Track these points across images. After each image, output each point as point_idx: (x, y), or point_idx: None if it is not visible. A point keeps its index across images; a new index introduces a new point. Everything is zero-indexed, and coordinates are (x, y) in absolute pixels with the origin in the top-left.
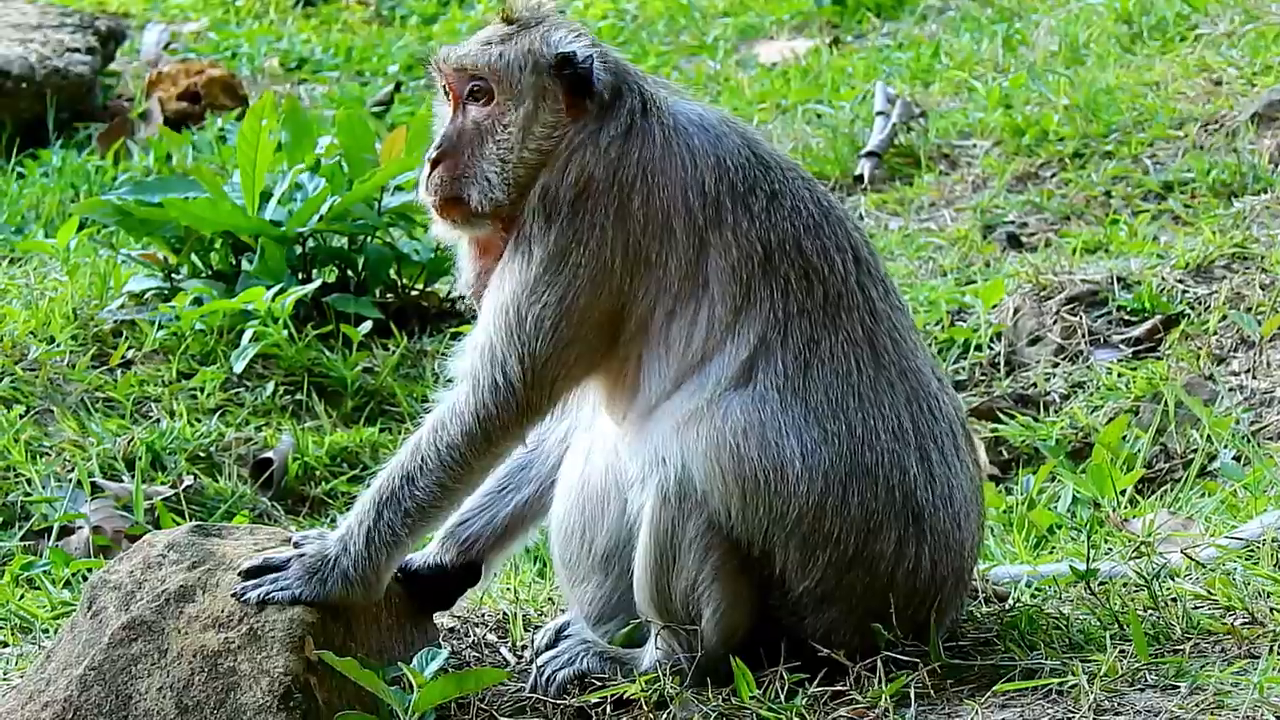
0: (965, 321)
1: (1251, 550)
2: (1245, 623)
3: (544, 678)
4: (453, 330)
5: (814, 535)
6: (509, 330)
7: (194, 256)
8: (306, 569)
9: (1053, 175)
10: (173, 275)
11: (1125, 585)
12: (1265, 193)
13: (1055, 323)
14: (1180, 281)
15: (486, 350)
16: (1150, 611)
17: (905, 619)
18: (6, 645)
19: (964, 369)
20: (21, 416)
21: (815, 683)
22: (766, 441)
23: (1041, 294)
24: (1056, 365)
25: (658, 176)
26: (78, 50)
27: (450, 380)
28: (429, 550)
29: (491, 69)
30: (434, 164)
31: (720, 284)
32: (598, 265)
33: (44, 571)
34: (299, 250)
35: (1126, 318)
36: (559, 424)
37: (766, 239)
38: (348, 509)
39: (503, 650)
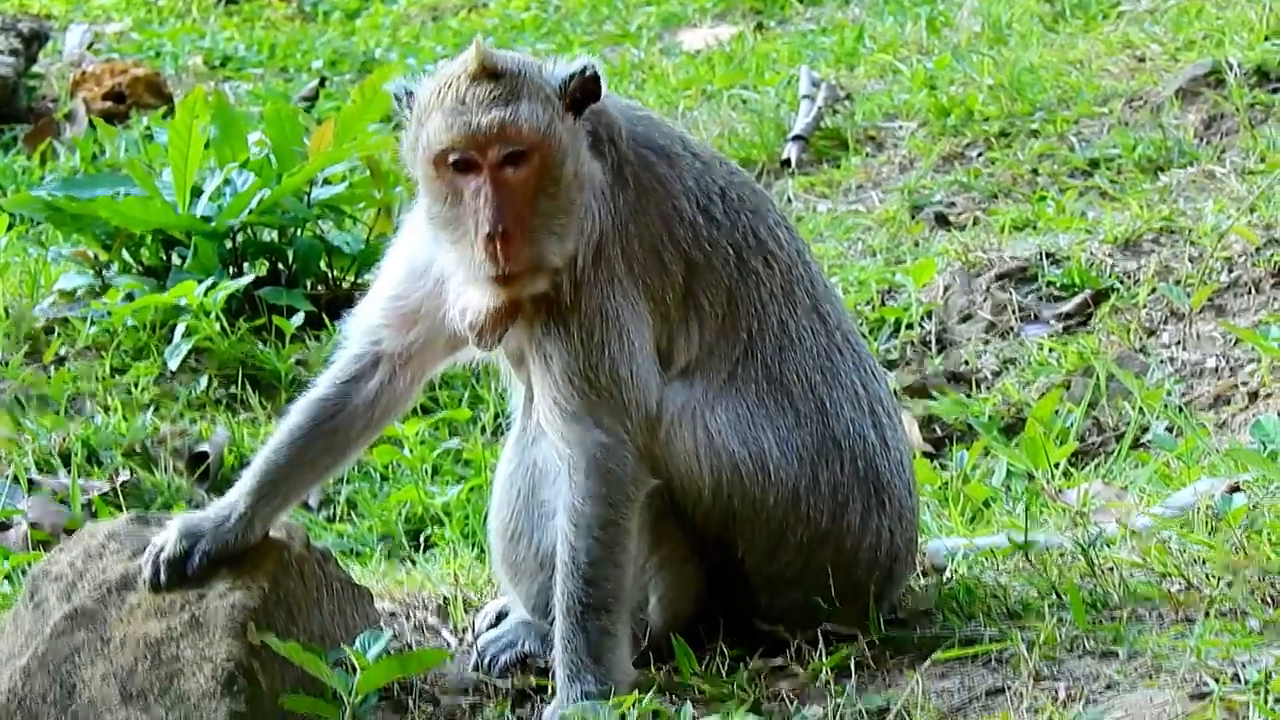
0: (896, 301)
1: (1186, 518)
2: (1181, 589)
3: (486, 659)
4: None
5: (787, 519)
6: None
7: (124, 253)
8: None
9: (979, 154)
10: (103, 272)
11: (1062, 555)
12: (1191, 166)
13: (985, 300)
14: (1109, 256)
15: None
16: (1087, 580)
17: (865, 593)
18: None
19: (895, 348)
20: None
21: (756, 657)
22: (745, 436)
23: (971, 272)
24: (988, 342)
25: (640, 215)
26: (0, 52)
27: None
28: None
29: (533, 130)
30: (504, 239)
31: (708, 298)
32: (626, 308)
33: None
34: (229, 245)
35: (1056, 293)
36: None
37: (732, 239)
38: None
39: (444, 632)
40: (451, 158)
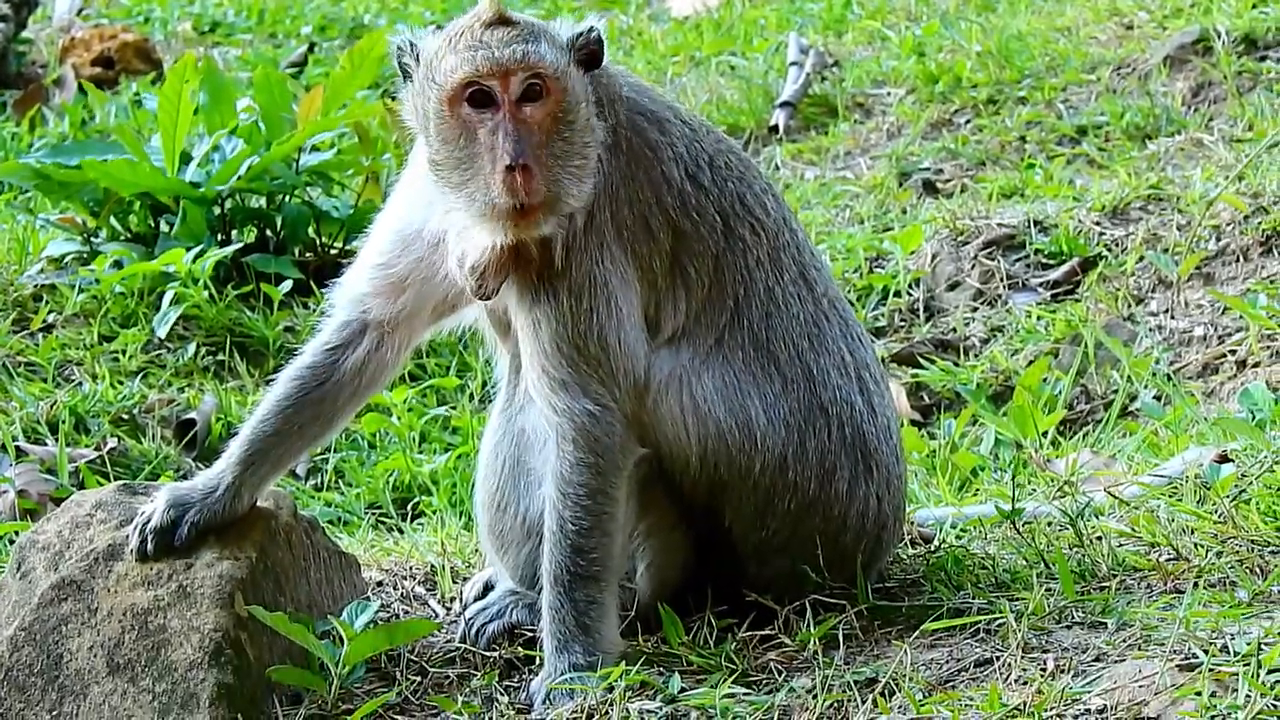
0: (884, 268)
1: (1174, 487)
2: (1170, 559)
3: (473, 630)
4: None
5: (775, 487)
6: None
7: (113, 219)
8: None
9: (967, 121)
10: (92, 239)
11: (1050, 524)
12: (1178, 134)
13: (973, 267)
14: (1097, 224)
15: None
16: (1076, 550)
17: (853, 561)
18: None
19: (883, 315)
20: None
21: (744, 627)
22: (732, 403)
23: (959, 239)
24: (975, 309)
25: (630, 182)
26: None
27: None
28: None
29: (552, 67)
30: (524, 170)
31: (694, 266)
32: (615, 274)
33: None
34: (218, 211)
35: (1044, 261)
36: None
37: (720, 206)
38: None
39: (431, 602)
40: (470, 91)
